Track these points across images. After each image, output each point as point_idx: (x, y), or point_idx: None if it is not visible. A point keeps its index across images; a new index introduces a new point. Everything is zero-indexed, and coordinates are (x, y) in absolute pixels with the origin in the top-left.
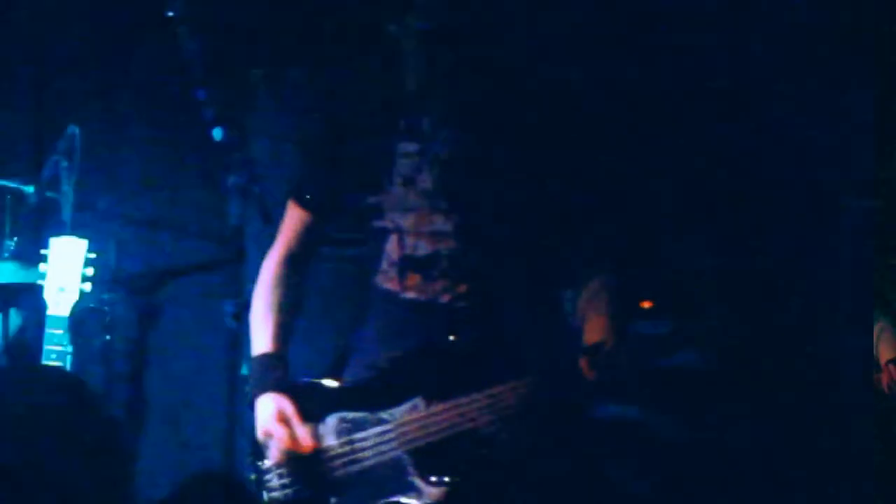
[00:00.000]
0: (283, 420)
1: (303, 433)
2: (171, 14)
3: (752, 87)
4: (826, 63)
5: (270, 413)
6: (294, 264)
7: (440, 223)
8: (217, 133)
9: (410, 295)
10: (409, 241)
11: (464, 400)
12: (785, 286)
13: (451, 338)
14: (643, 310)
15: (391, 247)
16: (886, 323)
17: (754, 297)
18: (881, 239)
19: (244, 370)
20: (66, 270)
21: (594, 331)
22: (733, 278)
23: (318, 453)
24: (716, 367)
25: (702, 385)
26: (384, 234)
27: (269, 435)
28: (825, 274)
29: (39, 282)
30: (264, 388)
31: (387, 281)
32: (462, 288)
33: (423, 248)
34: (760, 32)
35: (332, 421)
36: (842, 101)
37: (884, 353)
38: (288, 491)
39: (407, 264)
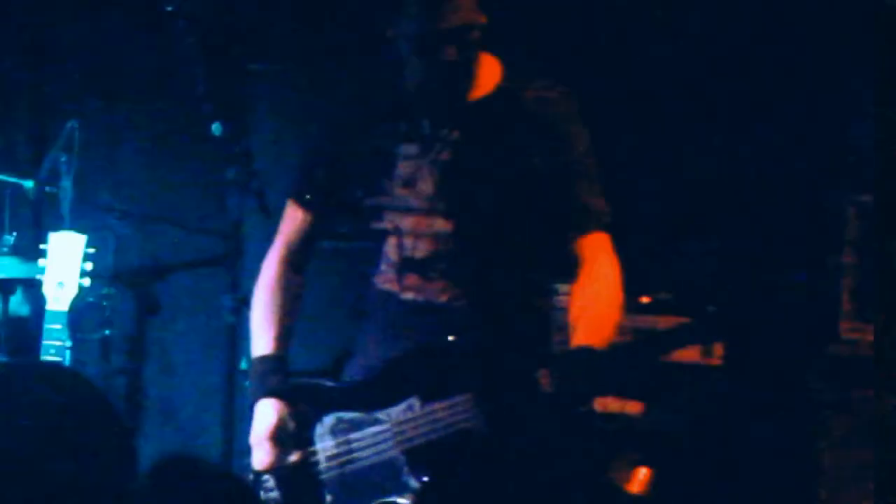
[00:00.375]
0: (276, 438)
1: (293, 457)
2: (169, 8)
3: (751, 85)
4: (826, 59)
5: (267, 423)
6: (294, 264)
7: (439, 225)
8: (216, 128)
9: (409, 296)
10: (408, 242)
11: (459, 400)
12: (785, 281)
13: (451, 338)
14: (642, 305)
15: (390, 248)
16: None
17: (754, 292)
18: (880, 238)
19: (243, 365)
20: (65, 265)
21: (584, 334)
22: (733, 274)
23: (315, 455)
24: (715, 366)
25: (702, 382)
26: (383, 235)
27: (259, 445)
28: (825, 271)
29: (39, 277)
30: (264, 392)
31: (385, 282)
32: (460, 289)
33: (422, 250)
34: (759, 29)
35: (329, 421)
36: (841, 98)
37: None
38: (284, 492)
39: (406, 265)
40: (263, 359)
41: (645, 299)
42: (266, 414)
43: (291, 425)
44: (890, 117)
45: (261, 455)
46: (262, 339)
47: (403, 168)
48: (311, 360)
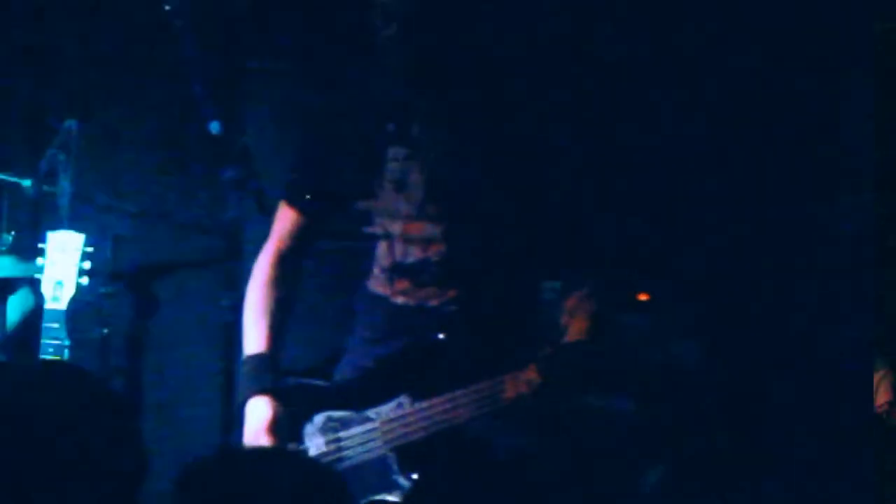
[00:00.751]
0: (274, 432)
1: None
2: (168, 7)
3: (749, 82)
4: (826, 57)
5: (262, 420)
6: (286, 264)
7: (430, 229)
8: (214, 127)
9: (400, 300)
10: (399, 247)
11: (448, 398)
12: (780, 281)
13: (440, 336)
14: (638, 302)
15: (381, 252)
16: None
17: (749, 291)
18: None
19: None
20: (63, 264)
21: (577, 331)
22: (727, 272)
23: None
24: (708, 362)
25: (694, 378)
26: (374, 239)
27: (257, 441)
28: (822, 268)
29: (37, 276)
30: (257, 390)
31: (377, 285)
32: (451, 293)
33: (413, 255)
34: (757, 26)
35: (319, 420)
36: (841, 95)
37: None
38: None
39: (397, 270)
40: (255, 357)
41: (643, 296)
42: (260, 410)
43: (284, 422)
44: (889, 116)
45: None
46: (253, 338)
47: (393, 171)
48: (301, 360)
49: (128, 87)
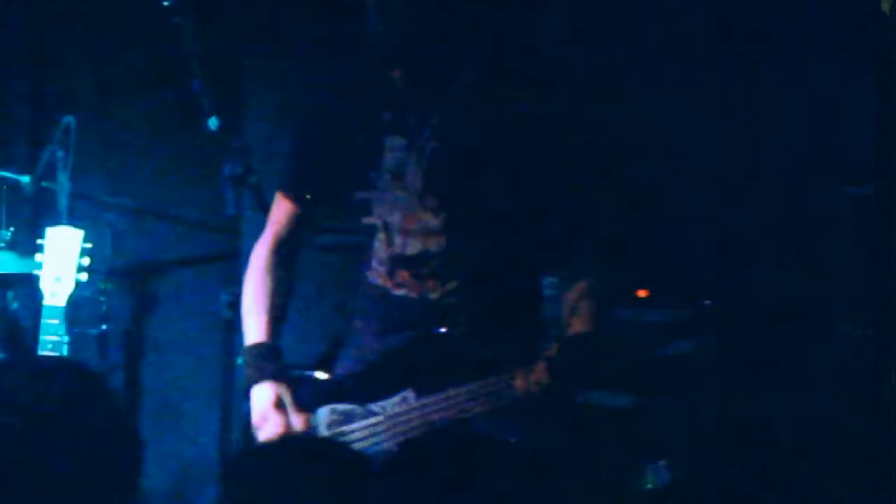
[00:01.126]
0: (280, 407)
1: (298, 421)
2: (166, 3)
3: (748, 76)
4: (826, 49)
5: (268, 399)
6: (284, 254)
7: (429, 220)
8: (212, 123)
9: (400, 292)
10: (398, 238)
11: (453, 392)
12: (782, 274)
13: (443, 330)
14: (639, 299)
15: (380, 244)
16: None
17: (752, 284)
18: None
19: (240, 361)
20: (61, 260)
21: (579, 327)
22: (731, 266)
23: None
24: (713, 356)
25: (699, 373)
26: (373, 229)
27: (265, 419)
28: (824, 263)
29: (36, 272)
30: (261, 377)
31: (377, 277)
32: (452, 285)
33: (413, 246)
34: (759, 16)
35: (323, 413)
36: (842, 87)
37: None
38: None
39: (396, 262)
40: (257, 346)
41: (642, 293)
42: (265, 392)
43: (290, 399)
44: (889, 111)
45: (268, 428)
46: (254, 327)
47: (390, 161)
48: (300, 353)
49: (126, 83)
